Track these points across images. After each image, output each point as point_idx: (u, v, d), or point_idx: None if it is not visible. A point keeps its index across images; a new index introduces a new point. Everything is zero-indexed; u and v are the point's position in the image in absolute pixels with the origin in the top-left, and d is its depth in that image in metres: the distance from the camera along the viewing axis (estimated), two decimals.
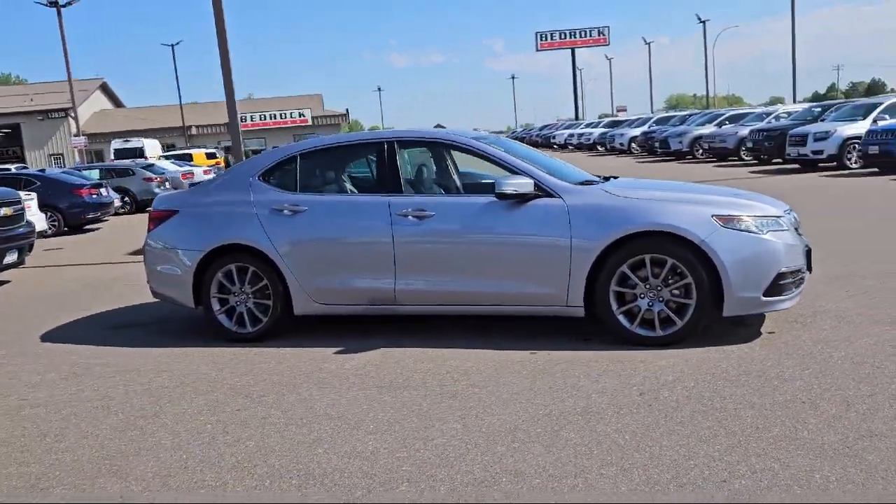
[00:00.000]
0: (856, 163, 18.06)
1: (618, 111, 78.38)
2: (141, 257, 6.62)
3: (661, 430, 3.52)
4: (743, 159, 23.27)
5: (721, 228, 4.72)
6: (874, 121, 18.42)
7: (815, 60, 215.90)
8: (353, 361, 4.97)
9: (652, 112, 70.01)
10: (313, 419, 3.98)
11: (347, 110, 52.82)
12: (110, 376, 5.02)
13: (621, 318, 4.90)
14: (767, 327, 5.09)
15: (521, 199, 5.05)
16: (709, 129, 24.84)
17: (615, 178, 5.76)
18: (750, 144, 21.99)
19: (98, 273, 10.02)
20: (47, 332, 6.52)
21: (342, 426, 3.85)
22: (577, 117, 50.27)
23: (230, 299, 5.69)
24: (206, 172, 24.83)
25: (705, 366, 4.39)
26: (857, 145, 18.08)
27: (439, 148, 5.94)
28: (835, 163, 18.32)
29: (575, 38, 44.99)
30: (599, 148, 37.96)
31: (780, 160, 21.10)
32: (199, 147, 35.38)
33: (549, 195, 5.06)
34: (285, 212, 5.54)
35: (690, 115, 30.29)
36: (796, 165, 19.56)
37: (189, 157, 28.55)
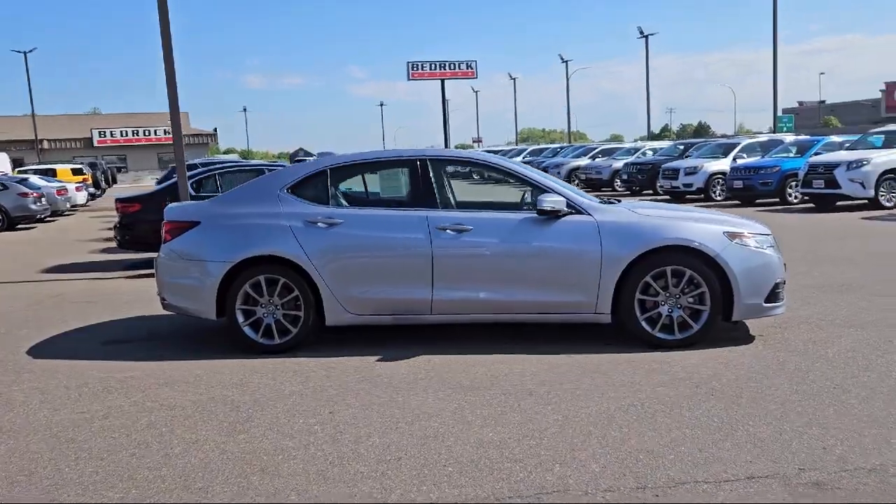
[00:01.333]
0: (720, 195, 20.16)
1: (474, 142, 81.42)
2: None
3: (739, 412, 4.08)
4: (616, 190, 25.16)
5: (731, 244, 5.43)
6: (734, 159, 20.70)
7: (652, 102, 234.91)
8: (404, 367, 5.20)
9: (508, 144, 72.99)
10: (414, 417, 4.20)
11: (216, 129, 51.23)
12: (176, 387, 4.95)
13: (644, 323, 5.48)
14: (754, 332, 5.85)
15: (555, 215, 5.53)
16: (584, 162, 26.70)
17: (618, 200, 6.38)
18: (625, 176, 23.88)
19: (36, 291, 9.38)
20: (39, 345, 6.18)
21: (450, 422, 4.11)
22: (446, 146, 51.81)
23: (257, 311, 5.73)
24: (78, 189, 23.34)
25: (731, 363, 5.04)
26: (721, 179, 20.23)
27: (472, 167, 6.32)
28: (702, 195, 20.33)
29: (445, 69, 46.55)
30: (475, 177, 39.31)
31: (651, 191, 23.10)
32: (60, 163, 32.93)
33: (580, 212, 5.58)
34: (320, 224, 5.69)
35: (563, 148, 32.42)
36: (667, 196, 21.46)
37: (52, 173, 26.62)
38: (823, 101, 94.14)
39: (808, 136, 22.48)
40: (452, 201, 5.94)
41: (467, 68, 47.17)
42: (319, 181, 5.95)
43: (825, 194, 16.50)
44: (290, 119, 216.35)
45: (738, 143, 21.65)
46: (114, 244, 14.94)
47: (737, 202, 18.95)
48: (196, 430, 4.15)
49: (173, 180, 11.69)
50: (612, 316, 5.54)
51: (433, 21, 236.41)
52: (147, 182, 47.84)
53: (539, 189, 5.72)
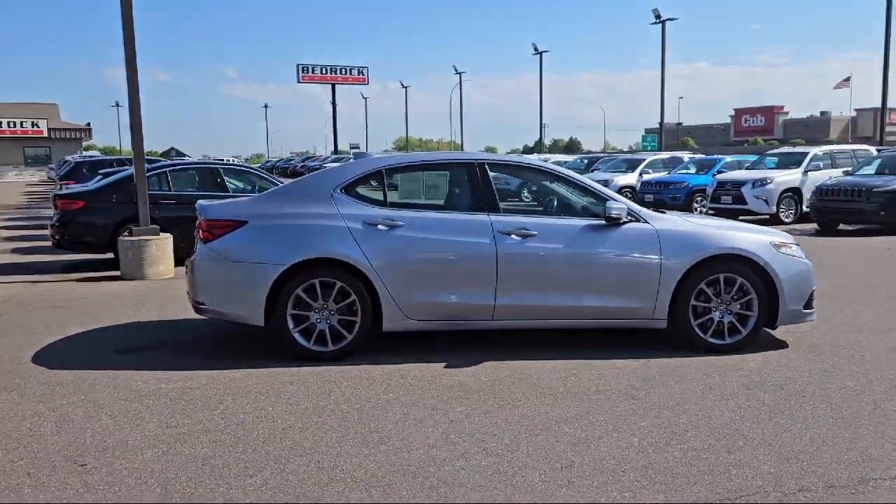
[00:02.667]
0: None
1: (351, 148, 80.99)
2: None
3: (846, 413, 4.32)
4: (523, 200, 25.80)
5: (778, 253, 5.74)
6: (640, 174, 21.83)
7: (526, 118, 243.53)
8: (483, 374, 5.09)
9: (385, 151, 73.48)
10: (542, 423, 4.13)
11: (89, 124, 47.60)
12: (257, 398, 4.59)
13: (697, 328, 5.67)
14: (780, 338, 6.19)
15: (617, 223, 5.62)
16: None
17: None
18: (534, 188, 24.52)
19: None
20: (42, 355, 5.54)
21: (585, 426, 4.07)
22: (336, 151, 51.21)
23: (310, 316, 5.43)
24: None
25: (785, 366, 5.30)
26: (629, 193, 21.23)
27: (527, 172, 6.28)
28: None
29: (336, 74, 45.98)
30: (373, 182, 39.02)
31: None
32: None
33: (638, 220, 5.70)
34: (380, 227, 5.48)
35: None
36: None
37: None
38: (681, 124, 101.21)
39: (704, 156, 24.03)
40: (511, 206, 5.88)
41: (359, 74, 46.83)
42: (375, 181, 5.74)
43: (731, 209, 17.72)
44: (159, 117, 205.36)
45: (644, 160, 22.85)
46: (23, 244, 13.73)
47: None
48: (327, 440, 3.89)
49: (120, 175, 10.86)
50: (667, 321, 5.69)
51: (322, 24, 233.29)
52: (10, 178, 43.82)
53: (598, 197, 5.80)
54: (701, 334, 5.67)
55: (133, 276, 9.31)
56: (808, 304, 5.85)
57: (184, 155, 59.15)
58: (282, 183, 11.65)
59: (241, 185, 11.30)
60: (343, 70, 46.05)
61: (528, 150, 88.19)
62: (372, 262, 5.40)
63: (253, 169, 12.72)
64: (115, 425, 4.15)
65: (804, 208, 17.24)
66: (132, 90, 9.33)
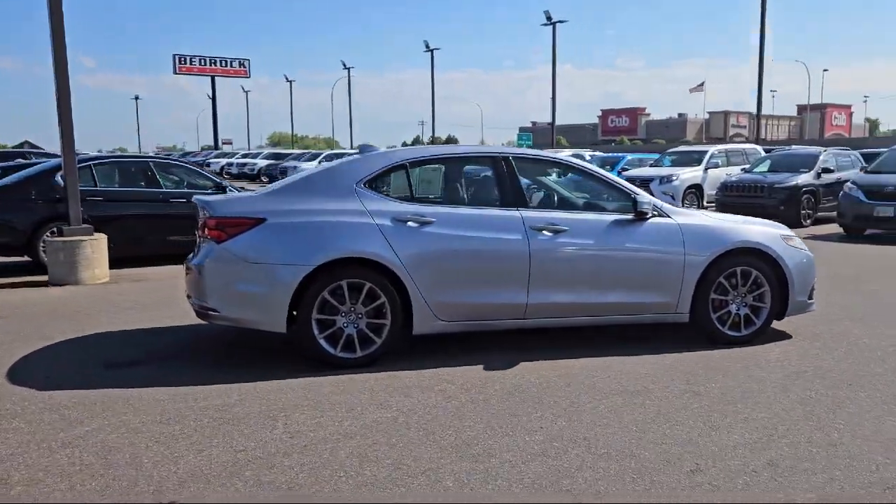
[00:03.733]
0: None
1: (223, 143, 77.84)
2: None
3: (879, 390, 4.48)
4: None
5: (787, 246, 5.90)
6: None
7: (404, 115, 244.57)
8: (533, 375, 4.89)
9: (259, 147, 71.01)
10: (632, 424, 4.00)
11: None
12: (312, 412, 4.15)
13: (716, 321, 5.74)
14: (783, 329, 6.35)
15: (643, 217, 5.58)
16: None
17: None
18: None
19: None
20: (23, 373, 4.80)
21: (676, 426, 3.97)
22: (216, 146, 48.82)
23: (337, 321, 5.03)
24: None
25: (806, 356, 5.42)
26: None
27: (551, 167, 6.10)
28: None
29: (216, 65, 43.90)
30: (264, 179, 37.35)
31: None
32: None
33: (661, 215, 5.69)
34: (410, 223, 5.15)
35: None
36: None
37: None
38: (552, 123, 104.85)
39: (608, 153, 24.86)
40: (539, 201, 5.72)
41: (240, 66, 45.01)
42: (399, 175, 5.41)
43: None
44: (11, 107, 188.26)
45: None
46: None
47: None
48: (428, 455, 3.56)
49: (38, 169, 9.75)
50: (689, 315, 5.72)
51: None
52: None
53: (622, 191, 5.74)
54: (720, 327, 5.74)
55: (64, 280, 8.38)
56: (811, 295, 6.06)
57: (37, 147, 54.56)
58: (216, 178, 10.92)
59: (174, 180, 10.45)
60: (223, 62, 44.08)
61: (405, 146, 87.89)
62: (403, 260, 5.07)
63: (184, 163, 11.82)
64: (170, 452, 3.62)
65: (705, 203, 18.21)
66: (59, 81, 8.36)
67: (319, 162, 30.79)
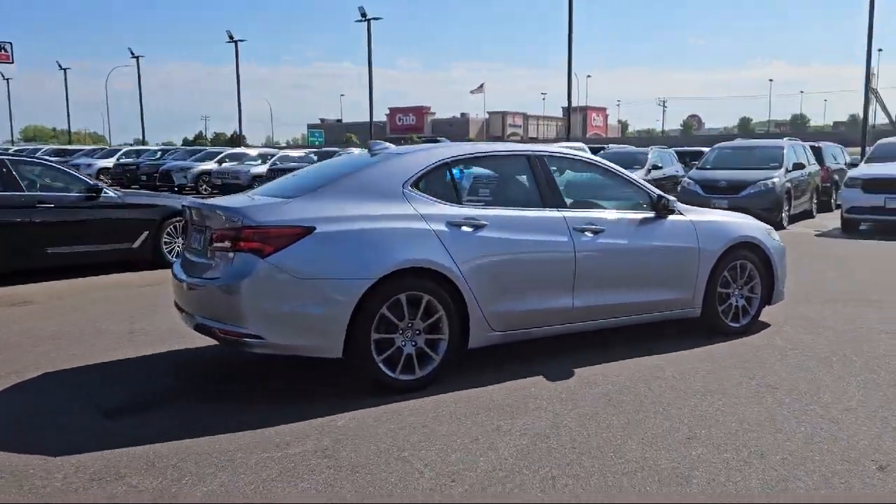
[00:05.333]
0: None
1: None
2: None
3: None
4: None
5: (772, 239, 6.23)
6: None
7: (185, 109, 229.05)
8: (603, 383, 4.67)
9: (6, 142, 62.34)
10: (740, 422, 3.96)
11: None
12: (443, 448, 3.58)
13: (721, 313, 5.92)
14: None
15: (666, 215, 5.59)
16: (213, 166, 25.07)
17: None
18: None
19: None
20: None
21: (780, 423, 3.99)
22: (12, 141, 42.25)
23: (395, 339, 4.47)
24: None
25: (800, 344, 5.67)
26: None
27: (579, 165, 5.84)
28: None
29: None
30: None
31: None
32: None
33: (675, 213, 5.73)
34: (464, 228, 4.71)
35: (168, 150, 30.09)
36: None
37: None
38: (340, 120, 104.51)
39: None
40: (571, 200, 5.48)
41: (2, 51, 39.50)
42: (442, 175, 4.92)
43: None
44: None
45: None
46: None
47: None
48: (609, 469, 3.23)
49: None
50: (701, 309, 5.83)
51: None
52: None
53: (641, 189, 5.70)
54: (724, 318, 5.93)
55: None
56: (783, 284, 6.48)
57: None
58: (89, 180, 9.33)
59: (34, 179, 8.74)
60: None
61: (188, 143, 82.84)
62: (461, 269, 4.63)
63: (45, 160, 9.96)
64: None
65: None
66: None
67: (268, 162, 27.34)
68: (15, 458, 3.52)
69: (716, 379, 4.78)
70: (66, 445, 3.66)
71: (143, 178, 25.62)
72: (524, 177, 5.33)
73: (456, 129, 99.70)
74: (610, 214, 5.47)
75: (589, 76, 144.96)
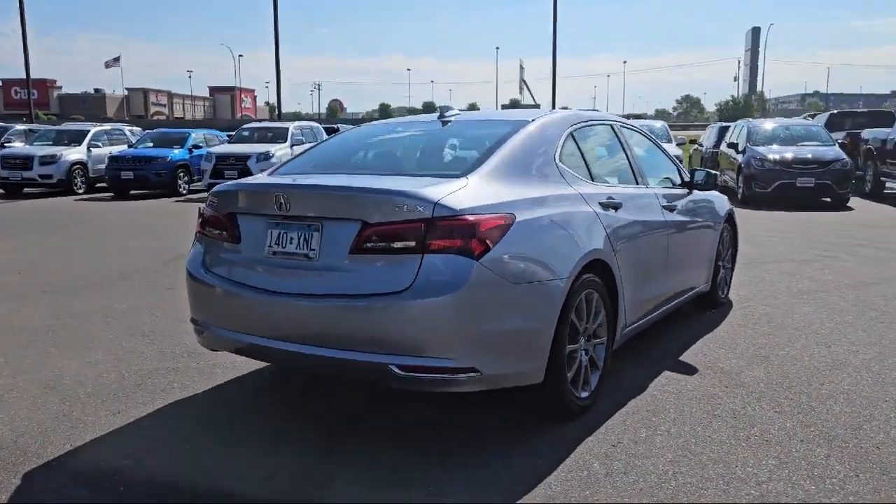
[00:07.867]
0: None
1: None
2: None
3: None
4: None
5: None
6: (89, 147, 18.66)
7: None
8: (685, 384, 4.29)
9: None
10: (834, 425, 4.00)
11: None
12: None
13: (718, 286, 5.96)
14: None
15: (693, 191, 5.38)
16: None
17: None
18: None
19: None
20: None
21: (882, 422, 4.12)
22: None
23: (577, 351, 3.61)
24: None
25: (791, 319, 6.03)
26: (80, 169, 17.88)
27: (637, 136, 5.15)
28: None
29: None
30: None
31: None
32: None
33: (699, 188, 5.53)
34: (610, 209, 3.96)
35: None
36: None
37: None
38: None
39: (166, 129, 21.68)
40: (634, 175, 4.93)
41: None
42: (574, 147, 4.06)
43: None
44: None
45: (89, 131, 19.34)
46: None
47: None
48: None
49: None
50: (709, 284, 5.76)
51: None
52: None
53: (673, 164, 5.42)
54: (719, 292, 5.99)
55: None
56: None
57: None
58: None
59: None
60: None
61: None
62: (617, 258, 3.91)
63: None
64: None
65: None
66: None
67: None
68: None
69: (767, 378, 4.75)
70: None
71: None
72: (617, 148, 4.69)
73: (91, 105, 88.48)
74: (676, 190, 5.13)
75: (241, 55, 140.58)
